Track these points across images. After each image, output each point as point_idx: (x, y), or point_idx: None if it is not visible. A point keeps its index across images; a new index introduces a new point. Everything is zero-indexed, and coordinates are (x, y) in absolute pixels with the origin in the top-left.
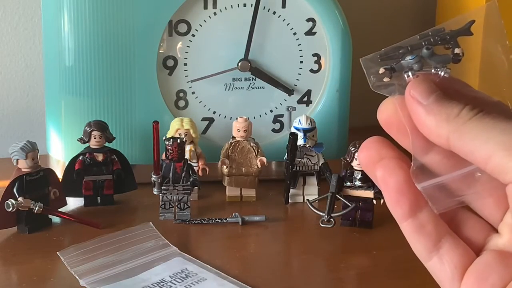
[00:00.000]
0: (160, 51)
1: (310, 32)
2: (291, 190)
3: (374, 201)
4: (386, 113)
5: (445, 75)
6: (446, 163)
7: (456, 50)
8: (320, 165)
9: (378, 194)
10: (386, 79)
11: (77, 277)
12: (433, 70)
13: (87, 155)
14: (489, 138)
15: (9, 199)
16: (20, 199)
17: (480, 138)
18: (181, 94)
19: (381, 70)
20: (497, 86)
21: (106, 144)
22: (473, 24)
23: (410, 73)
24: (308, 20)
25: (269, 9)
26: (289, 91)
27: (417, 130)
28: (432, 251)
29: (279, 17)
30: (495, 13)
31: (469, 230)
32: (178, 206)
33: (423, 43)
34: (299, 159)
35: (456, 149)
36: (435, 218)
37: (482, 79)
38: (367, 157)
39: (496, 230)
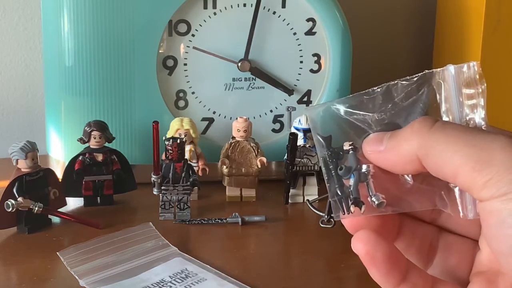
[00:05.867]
0: (160, 51)
1: (310, 32)
2: (291, 190)
3: None
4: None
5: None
6: None
7: (345, 148)
8: (320, 165)
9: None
10: (360, 211)
11: (77, 277)
12: (369, 199)
13: (87, 155)
14: (454, 151)
15: (9, 199)
16: (20, 199)
17: (446, 152)
18: (181, 94)
19: (352, 209)
20: None
21: (106, 144)
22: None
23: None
24: (308, 20)
25: (269, 9)
26: (289, 91)
27: None
28: None
29: (279, 17)
30: None
31: (456, 255)
32: (178, 206)
33: (332, 173)
34: (299, 159)
35: (427, 167)
36: (421, 272)
37: None
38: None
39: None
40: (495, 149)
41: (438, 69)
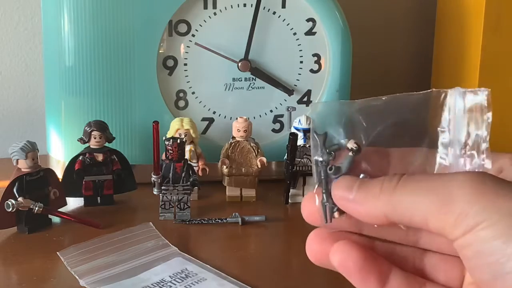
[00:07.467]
0: (160, 51)
1: (310, 32)
2: (291, 190)
3: None
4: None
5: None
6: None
7: (349, 145)
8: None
9: None
10: (342, 218)
11: (77, 277)
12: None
13: (87, 155)
14: (418, 201)
15: (9, 199)
16: (20, 199)
17: (411, 204)
18: (181, 94)
19: (336, 215)
20: None
21: (106, 144)
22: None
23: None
24: (308, 20)
25: (269, 9)
26: (289, 91)
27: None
28: None
29: (279, 17)
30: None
31: (443, 273)
32: (178, 206)
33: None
34: (299, 159)
35: (397, 221)
36: (407, 278)
37: None
38: (313, 255)
39: None
40: (454, 188)
41: (447, 90)
